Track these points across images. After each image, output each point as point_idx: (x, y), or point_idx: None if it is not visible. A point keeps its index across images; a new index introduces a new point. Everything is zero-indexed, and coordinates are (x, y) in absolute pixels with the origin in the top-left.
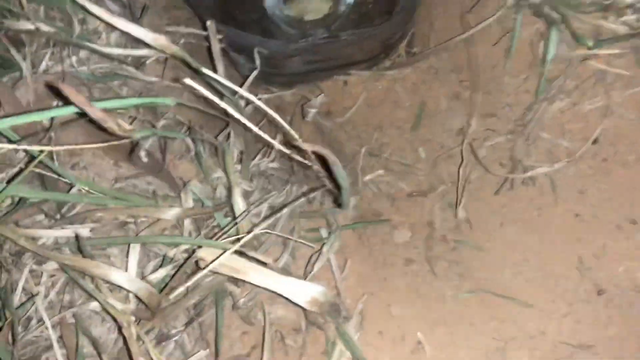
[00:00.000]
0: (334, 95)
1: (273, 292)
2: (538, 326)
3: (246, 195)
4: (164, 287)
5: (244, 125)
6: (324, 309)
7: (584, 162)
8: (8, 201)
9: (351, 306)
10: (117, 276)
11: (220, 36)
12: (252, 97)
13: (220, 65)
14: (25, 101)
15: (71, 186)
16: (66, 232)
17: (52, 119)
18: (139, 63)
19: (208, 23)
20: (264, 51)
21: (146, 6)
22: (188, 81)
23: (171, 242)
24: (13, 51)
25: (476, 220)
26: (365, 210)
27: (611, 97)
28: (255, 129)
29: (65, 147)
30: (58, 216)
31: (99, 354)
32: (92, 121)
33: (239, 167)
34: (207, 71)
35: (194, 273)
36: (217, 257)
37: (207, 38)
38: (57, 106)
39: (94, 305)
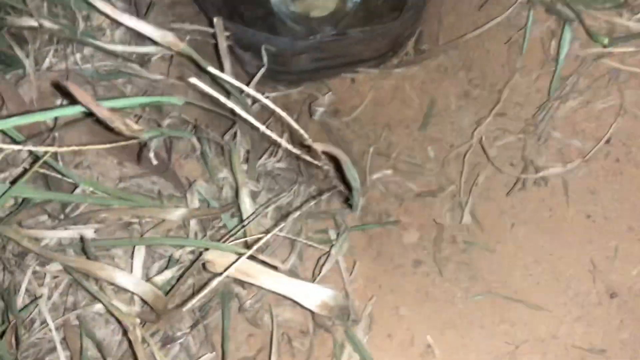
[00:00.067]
0: (342, 93)
1: (282, 295)
2: (549, 329)
3: (253, 195)
4: (170, 289)
5: (250, 124)
6: (334, 313)
7: (596, 162)
8: (11, 201)
9: (359, 308)
10: (122, 278)
11: (227, 33)
12: (261, 97)
13: (227, 63)
14: (29, 99)
15: (75, 186)
16: (70, 233)
17: (55, 118)
18: (143, 60)
19: (215, 20)
20: (271, 49)
21: (152, 3)
22: (194, 80)
23: (179, 244)
24: (16, 48)
25: (486, 221)
26: (373, 211)
27: (625, 96)
28: (263, 128)
29: (72, 147)
30: (62, 216)
31: (103, 357)
32: (97, 120)
33: (245, 166)
34: (214, 70)
35: (200, 275)
36: (233, 263)
37: (213, 35)
38: (61, 104)
39: (98, 307)
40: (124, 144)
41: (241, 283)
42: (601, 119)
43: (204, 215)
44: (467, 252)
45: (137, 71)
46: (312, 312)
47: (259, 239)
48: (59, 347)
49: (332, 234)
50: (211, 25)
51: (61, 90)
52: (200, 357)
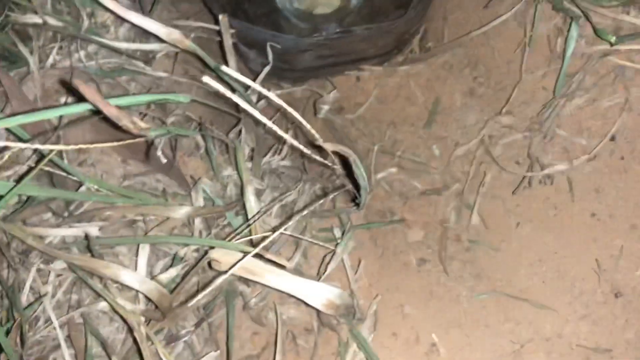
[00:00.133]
0: (346, 91)
1: (287, 293)
2: (554, 328)
3: (258, 193)
4: (174, 287)
5: (255, 121)
6: (339, 311)
7: (601, 160)
8: (15, 199)
9: (364, 307)
10: (127, 277)
11: (231, 31)
12: (269, 94)
13: (232, 61)
14: (33, 96)
15: (79, 184)
16: (74, 231)
17: (60, 115)
18: (148, 58)
19: (221, 18)
20: (276, 46)
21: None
22: (206, 79)
23: (184, 242)
24: (20, 45)
25: (491, 220)
26: (377, 209)
27: (631, 93)
28: (270, 123)
29: (79, 146)
30: (66, 214)
31: (108, 355)
32: (103, 118)
33: (250, 164)
34: (224, 67)
35: (204, 273)
36: (238, 261)
37: (218, 32)
38: (65, 101)
39: (103, 305)
40: (131, 142)
41: (245, 281)
42: (607, 117)
43: (209, 214)
44: (471, 251)
45: (141, 68)
46: (317, 311)
47: (264, 238)
48: (63, 345)
49: (337, 233)
50: (216, 22)
51: (67, 87)
52: (204, 355)
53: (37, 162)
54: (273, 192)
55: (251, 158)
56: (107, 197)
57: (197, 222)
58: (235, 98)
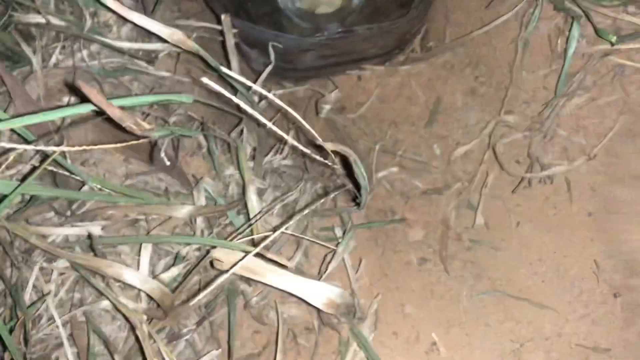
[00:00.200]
0: (348, 90)
1: (288, 292)
2: (554, 328)
3: (259, 192)
4: (176, 286)
5: (257, 121)
6: (339, 310)
7: (598, 160)
8: (18, 198)
9: (365, 306)
10: (130, 276)
11: (234, 30)
12: (271, 96)
13: (234, 61)
14: (36, 95)
15: (82, 183)
16: (77, 230)
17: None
18: (150, 57)
19: (223, 18)
20: (278, 46)
21: None
22: (207, 81)
23: (186, 241)
24: (23, 45)
25: (492, 219)
26: (378, 209)
27: (629, 92)
28: (270, 125)
29: (83, 147)
30: (68, 213)
31: (110, 353)
32: (106, 118)
33: (251, 164)
34: (225, 69)
35: (206, 272)
36: (239, 260)
37: (220, 32)
38: (69, 101)
39: (105, 303)
40: (135, 143)
41: (247, 280)
42: (605, 116)
43: (211, 213)
44: (472, 250)
45: (144, 68)
46: (317, 310)
47: (265, 237)
48: (66, 343)
49: (338, 232)
50: (218, 22)
51: (70, 87)
52: (206, 354)
53: (41, 161)
54: (274, 191)
55: (253, 157)
56: (109, 197)
57: (199, 221)
58: (237, 99)
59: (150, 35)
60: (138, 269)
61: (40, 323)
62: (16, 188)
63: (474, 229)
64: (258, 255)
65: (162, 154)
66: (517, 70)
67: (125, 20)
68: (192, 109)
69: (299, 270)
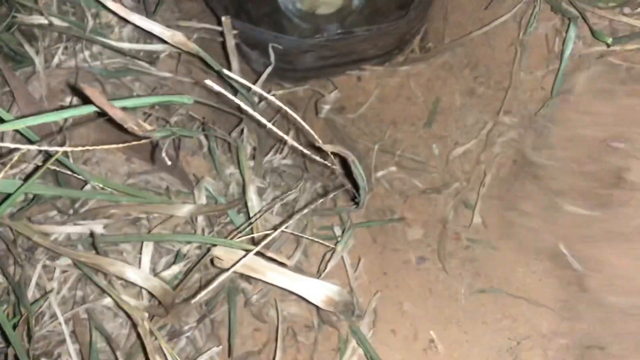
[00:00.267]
0: (347, 91)
1: (287, 290)
2: (550, 326)
3: (259, 191)
4: (177, 284)
5: (257, 121)
6: (338, 308)
7: None
8: (22, 197)
9: (364, 304)
10: (132, 274)
11: (234, 32)
12: (271, 97)
13: (235, 62)
14: (38, 95)
15: (85, 182)
16: (79, 229)
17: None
18: (152, 58)
19: (223, 19)
20: (278, 47)
21: (160, 0)
22: (209, 82)
23: (187, 240)
24: (26, 45)
25: (489, 219)
26: (377, 208)
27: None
28: (270, 125)
29: (86, 147)
30: (71, 212)
31: (112, 349)
32: (109, 119)
33: (252, 163)
34: (226, 71)
35: (207, 270)
36: (240, 259)
37: (221, 33)
38: (71, 101)
39: (107, 301)
40: (136, 143)
41: (247, 278)
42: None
43: (211, 212)
44: (470, 249)
45: (145, 69)
46: (317, 308)
47: (265, 236)
48: (68, 339)
49: (337, 231)
50: (219, 23)
51: (72, 88)
52: (206, 351)
53: (44, 161)
54: (274, 190)
55: (253, 157)
56: (111, 196)
57: (200, 220)
58: (238, 101)
59: (151, 36)
60: (139, 267)
61: (43, 320)
62: (19, 187)
63: (472, 228)
64: (258, 253)
65: (164, 154)
66: (515, 70)
67: (126, 21)
68: (193, 109)
69: (298, 269)
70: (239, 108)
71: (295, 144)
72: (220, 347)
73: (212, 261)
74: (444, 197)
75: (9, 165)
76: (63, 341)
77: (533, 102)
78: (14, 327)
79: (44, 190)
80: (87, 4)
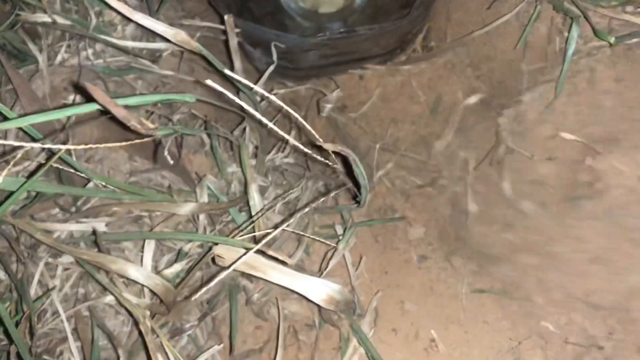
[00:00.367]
0: (349, 89)
1: (289, 289)
2: (551, 325)
3: (261, 190)
4: (179, 282)
5: (259, 120)
6: (339, 307)
7: None
8: (24, 195)
9: (365, 303)
10: (134, 272)
11: (237, 30)
12: (272, 97)
13: (237, 61)
14: (41, 93)
15: (87, 180)
16: (82, 226)
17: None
18: (154, 56)
19: (226, 18)
20: (281, 45)
21: None
22: (210, 82)
23: (189, 238)
24: (30, 44)
25: (490, 218)
26: (379, 206)
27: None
28: (271, 125)
29: (89, 146)
30: (73, 210)
31: (114, 347)
32: (111, 117)
33: (254, 162)
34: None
35: (208, 268)
36: (240, 257)
37: (223, 32)
38: (74, 99)
39: (109, 298)
40: (139, 141)
41: (248, 277)
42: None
43: (213, 210)
44: (471, 247)
45: (148, 67)
46: (318, 306)
47: (267, 234)
48: (70, 337)
49: (339, 229)
50: (221, 21)
51: (75, 86)
52: (207, 349)
53: (47, 158)
54: (276, 189)
55: (255, 155)
56: (113, 194)
57: (202, 218)
58: (239, 100)
59: (154, 35)
60: (141, 264)
61: (46, 317)
62: (22, 185)
63: (472, 227)
64: (259, 252)
65: (166, 152)
66: (517, 69)
67: (129, 19)
68: (196, 107)
69: (299, 267)
70: (241, 107)
71: (297, 143)
72: (222, 345)
73: (213, 259)
74: (445, 196)
75: (12, 163)
76: (65, 339)
77: (535, 101)
78: (17, 324)
79: (47, 188)
80: (90, 2)
